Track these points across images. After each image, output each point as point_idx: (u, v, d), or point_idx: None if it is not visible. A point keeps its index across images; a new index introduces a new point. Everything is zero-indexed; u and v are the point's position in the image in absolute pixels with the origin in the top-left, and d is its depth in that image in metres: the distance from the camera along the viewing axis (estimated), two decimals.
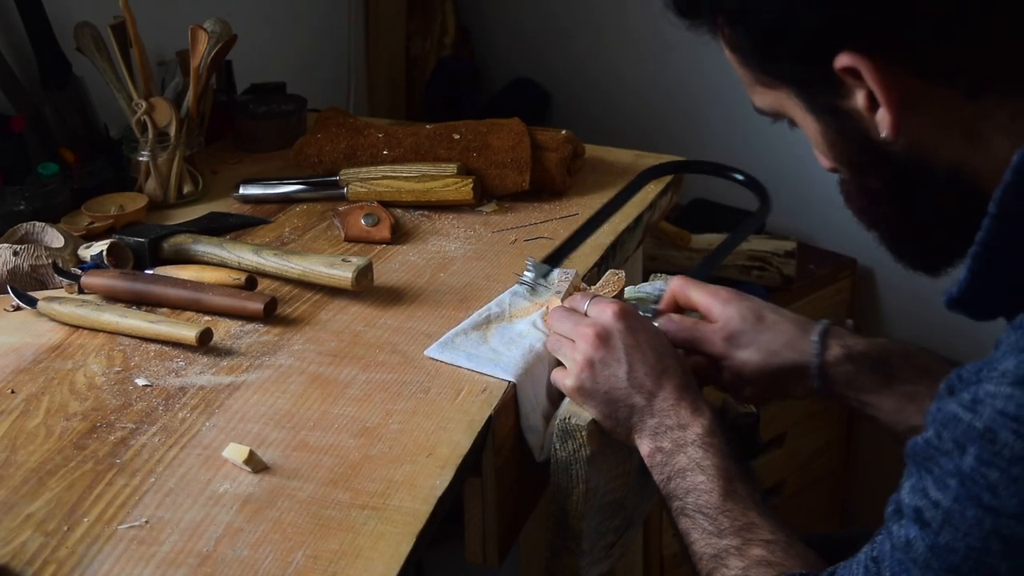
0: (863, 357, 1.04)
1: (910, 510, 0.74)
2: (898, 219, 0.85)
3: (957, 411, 0.70)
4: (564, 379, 1.06)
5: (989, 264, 0.75)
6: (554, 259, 1.25)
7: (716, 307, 1.09)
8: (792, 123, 0.85)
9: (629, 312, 1.05)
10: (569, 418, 1.04)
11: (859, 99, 0.77)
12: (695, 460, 0.96)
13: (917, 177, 0.80)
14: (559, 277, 1.20)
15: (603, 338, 1.03)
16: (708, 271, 1.30)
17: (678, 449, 0.98)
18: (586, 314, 1.07)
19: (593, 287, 1.18)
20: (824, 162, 0.87)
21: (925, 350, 1.06)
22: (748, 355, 1.07)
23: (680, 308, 1.13)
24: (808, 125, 0.83)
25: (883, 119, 0.76)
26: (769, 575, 0.88)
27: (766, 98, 0.84)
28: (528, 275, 1.22)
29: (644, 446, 1.01)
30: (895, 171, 0.80)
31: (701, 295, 1.10)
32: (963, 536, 0.70)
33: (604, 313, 1.05)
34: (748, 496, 0.95)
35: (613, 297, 1.15)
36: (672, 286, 1.13)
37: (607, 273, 1.19)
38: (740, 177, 1.43)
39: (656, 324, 1.09)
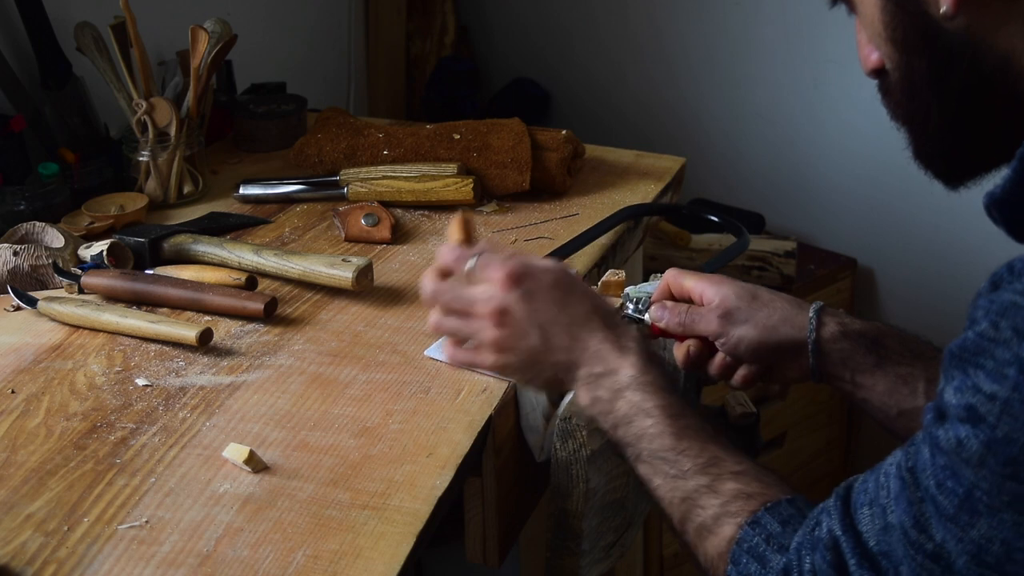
0: (859, 336, 1.03)
1: (958, 410, 0.71)
2: (934, 114, 0.82)
3: (1016, 298, 0.68)
4: (481, 360, 1.01)
5: None
6: None
7: (709, 289, 1.07)
8: (850, 7, 0.84)
9: (517, 275, 0.98)
10: (569, 418, 1.04)
11: None
12: (635, 404, 0.93)
13: (966, 64, 0.78)
14: None
15: (502, 316, 0.97)
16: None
17: (615, 395, 0.95)
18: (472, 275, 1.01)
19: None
20: (870, 58, 0.85)
21: (920, 336, 1.05)
22: (745, 331, 1.05)
23: (674, 298, 1.12)
24: (867, 0, 0.82)
25: None
26: (752, 506, 0.85)
27: None
28: None
29: (582, 397, 0.98)
30: (945, 54, 0.79)
31: (694, 281, 1.09)
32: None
33: (493, 287, 0.98)
34: (700, 429, 0.92)
35: (614, 297, 1.15)
36: (666, 277, 1.12)
37: (607, 273, 1.19)
38: (716, 219, 1.42)
39: (649, 314, 1.09)
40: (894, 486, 0.75)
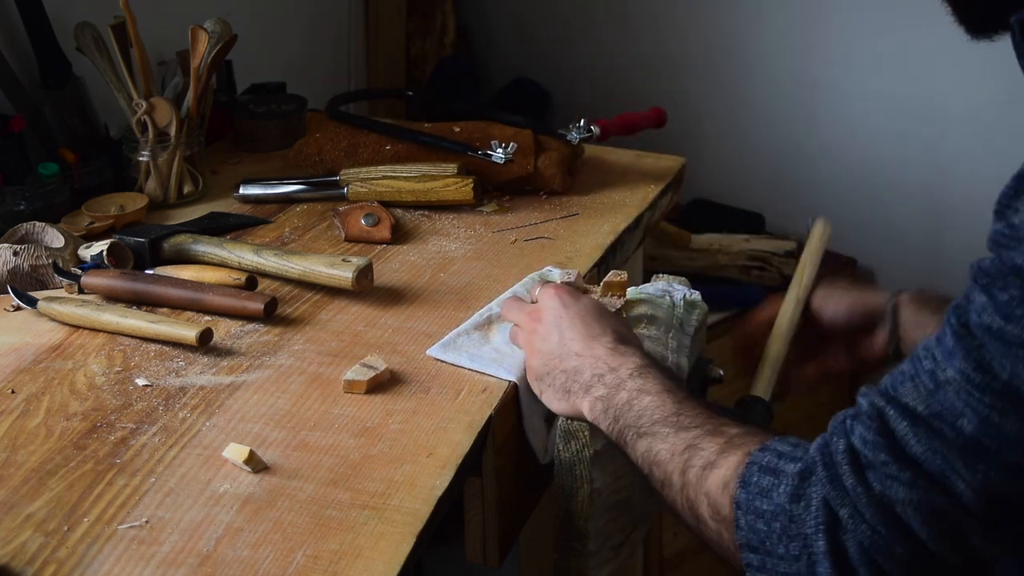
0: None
1: (999, 236, 0.71)
2: None
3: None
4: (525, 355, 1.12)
5: None
6: None
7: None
8: None
9: (562, 291, 1.10)
10: (571, 419, 1.04)
11: None
12: (635, 389, 0.96)
13: None
14: (560, 277, 1.20)
15: (535, 315, 1.09)
16: None
17: (616, 389, 0.97)
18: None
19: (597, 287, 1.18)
20: None
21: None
22: (837, 298, 1.24)
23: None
24: None
25: None
26: (757, 441, 0.83)
27: None
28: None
29: (585, 405, 1.00)
30: None
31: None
32: None
33: (542, 295, 1.11)
34: (702, 404, 0.93)
35: (617, 298, 1.15)
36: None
37: (609, 274, 1.19)
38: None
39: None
40: (943, 349, 0.73)
